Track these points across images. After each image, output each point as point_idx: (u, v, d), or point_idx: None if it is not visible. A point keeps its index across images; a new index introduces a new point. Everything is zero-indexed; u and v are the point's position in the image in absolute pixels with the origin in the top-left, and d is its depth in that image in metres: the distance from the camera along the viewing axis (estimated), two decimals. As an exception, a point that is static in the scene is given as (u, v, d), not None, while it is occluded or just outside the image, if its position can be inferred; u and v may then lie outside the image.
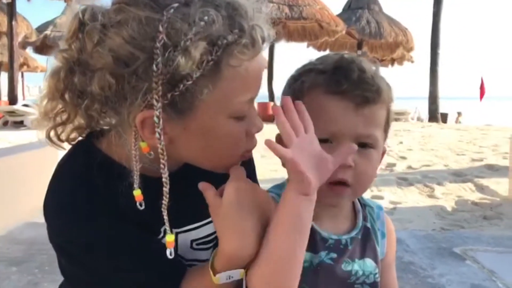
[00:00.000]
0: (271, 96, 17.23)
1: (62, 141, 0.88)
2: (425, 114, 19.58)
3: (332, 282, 0.88)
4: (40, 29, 18.18)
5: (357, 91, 0.81)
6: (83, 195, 0.81)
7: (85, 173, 0.82)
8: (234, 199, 0.74)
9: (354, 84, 0.81)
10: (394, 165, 6.39)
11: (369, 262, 0.90)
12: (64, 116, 0.84)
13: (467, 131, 12.57)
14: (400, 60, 23.56)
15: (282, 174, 0.81)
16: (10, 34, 12.48)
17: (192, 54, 0.67)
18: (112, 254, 0.81)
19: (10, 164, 3.09)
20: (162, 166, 0.76)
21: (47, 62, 0.83)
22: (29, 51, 21.34)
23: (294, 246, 0.75)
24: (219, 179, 0.82)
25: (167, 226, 0.79)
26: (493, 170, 5.86)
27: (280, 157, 0.72)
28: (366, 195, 0.99)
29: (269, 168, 3.49)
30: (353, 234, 0.90)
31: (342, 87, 0.81)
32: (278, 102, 0.89)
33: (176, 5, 0.69)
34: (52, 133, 0.86)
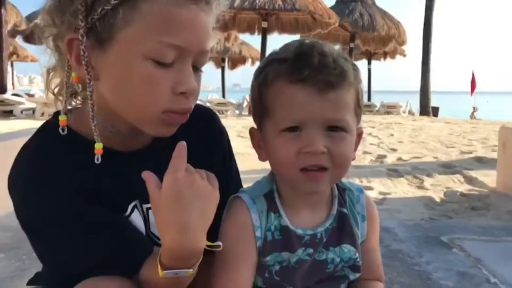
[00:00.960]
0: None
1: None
2: (416, 108, 19.70)
3: (312, 276, 0.88)
4: (30, 17, 17.91)
5: (319, 76, 0.80)
6: (43, 168, 0.80)
7: (48, 148, 0.83)
8: (173, 191, 0.72)
9: (315, 69, 0.80)
10: (384, 157, 6.43)
11: (346, 248, 0.90)
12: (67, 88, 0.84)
13: (457, 124, 12.68)
14: (393, 53, 23.63)
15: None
16: (-1, 22, 12.29)
17: None
18: (72, 230, 0.80)
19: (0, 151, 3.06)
20: (89, 93, 0.78)
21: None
22: (18, 40, 21.06)
23: None
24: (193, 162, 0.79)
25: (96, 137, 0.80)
26: (482, 162, 5.93)
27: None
28: None
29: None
30: (327, 225, 0.90)
31: (304, 74, 0.80)
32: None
33: None
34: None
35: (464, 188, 4.56)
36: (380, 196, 4.18)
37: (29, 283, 0.99)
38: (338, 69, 0.82)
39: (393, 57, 24.51)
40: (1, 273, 2.13)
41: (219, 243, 0.81)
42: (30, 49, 24.07)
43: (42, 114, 11.93)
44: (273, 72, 0.85)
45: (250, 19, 15.87)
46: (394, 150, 7.13)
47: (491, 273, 2.13)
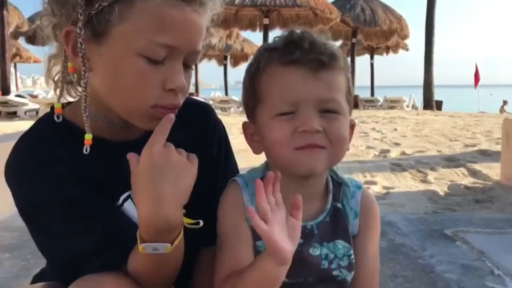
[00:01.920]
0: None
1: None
2: (420, 102, 19.62)
3: (306, 270, 0.88)
4: (32, 18, 17.95)
5: (311, 55, 0.82)
6: (37, 154, 0.84)
7: (42, 137, 0.86)
8: (148, 164, 0.75)
9: (306, 50, 0.82)
10: (388, 151, 6.42)
11: (340, 244, 0.90)
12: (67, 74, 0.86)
13: (461, 118, 12.63)
14: (395, 47, 23.54)
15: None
16: (1, 23, 12.34)
17: None
18: (63, 215, 0.82)
19: (3, 152, 3.08)
20: (83, 84, 0.80)
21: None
22: (21, 41, 21.12)
23: None
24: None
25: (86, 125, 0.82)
26: (486, 155, 5.91)
27: (258, 232, 0.73)
28: (360, 180, 0.99)
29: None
30: (321, 218, 0.90)
31: (296, 55, 0.82)
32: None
33: None
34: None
35: (468, 181, 4.55)
36: (384, 191, 4.18)
37: (34, 279, 1.01)
38: (329, 50, 0.84)
39: (395, 51, 24.41)
40: (7, 272, 2.15)
41: (199, 220, 0.82)
42: (33, 50, 24.14)
43: (46, 114, 11.98)
44: (264, 60, 0.86)
45: (251, 16, 15.84)
46: (397, 144, 7.11)
47: (495, 265, 2.13)
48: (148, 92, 0.79)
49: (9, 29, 13.09)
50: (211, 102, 16.44)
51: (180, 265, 0.87)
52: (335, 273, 0.89)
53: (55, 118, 0.87)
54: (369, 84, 23.11)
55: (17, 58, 23.15)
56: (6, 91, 12.51)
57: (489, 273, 2.06)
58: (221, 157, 1.04)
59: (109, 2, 0.75)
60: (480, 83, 19.45)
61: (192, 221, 0.82)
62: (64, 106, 0.90)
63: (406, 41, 21.88)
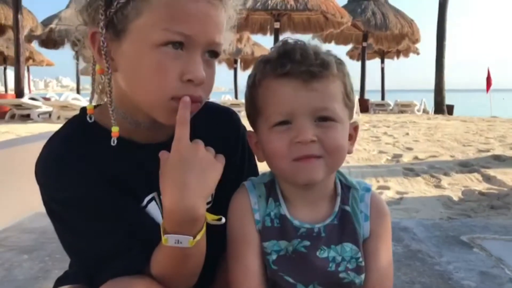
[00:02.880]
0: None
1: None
2: (431, 106, 19.49)
3: (313, 272, 0.89)
4: (45, 22, 18.20)
5: (302, 67, 0.83)
6: (67, 154, 0.86)
7: (72, 137, 0.89)
8: (176, 156, 0.78)
9: (297, 62, 0.84)
10: (400, 156, 6.38)
11: (348, 247, 0.90)
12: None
13: (473, 122, 12.52)
14: (406, 52, 23.46)
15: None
16: (15, 27, 12.52)
17: None
18: (91, 214, 0.84)
19: (20, 154, 3.11)
20: (107, 81, 0.84)
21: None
22: (34, 45, 21.39)
23: None
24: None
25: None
26: (500, 160, 5.85)
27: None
28: (373, 186, 0.98)
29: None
30: (328, 221, 0.91)
31: (287, 68, 0.84)
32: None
33: None
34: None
35: (482, 186, 4.51)
36: (397, 196, 4.15)
37: (57, 282, 1.03)
38: (319, 60, 0.85)
39: (406, 55, 24.31)
40: (25, 274, 2.17)
41: (221, 217, 0.84)
42: (46, 53, 24.42)
43: (58, 117, 12.10)
44: (260, 73, 0.89)
45: (262, 20, 15.89)
46: (410, 149, 7.07)
47: (514, 273, 2.10)
48: (167, 83, 0.80)
49: (23, 33, 13.24)
50: (221, 106, 16.46)
51: (202, 264, 0.88)
52: (342, 275, 0.90)
53: (88, 119, 0.89)
54: (379, 87, 23.03)
55: (30, 61, 23.44)
56: (20, 94, 12.66)
57: (508, 280, 2.04)
58: (244, 162, 1.06)
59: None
60: (492, 87, 19.27)
61: (215, 217, 0.84)
62: (95, 105, 0.93)
63: (417, 45, 21.79)
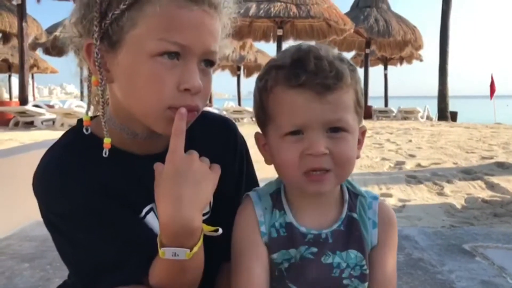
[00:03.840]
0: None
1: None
2: (434, 113, 19.45)
3: (318, 278, 0.88)
4: (50, 30, 18.33)
5: (316, 80, 0.82)
6: (64, 166, 0.86)
7: (69, 149, 0.89)
8: (171, 169, 0.78)
9: (312, 74, 0.82)
10: (403, 163, 6.36)
11: (353, 254, 0.90)
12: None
13: (477, 129, 12.47)
14: (409, 58, 23.46)
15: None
16: (20, 35, 12.60)
17: None
18: (88, 226, 0.84)
19: (22, 162, 3.12)
20: (100, 92, 0.84)
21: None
22: (39, 52, 21.53)
23: None
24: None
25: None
26: (504, 168, 5.82)
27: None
28: (376, 192, 0.98)
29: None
30: (335, 227, 0.90)
31: (301, 80, 0.82)
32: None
33: None
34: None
35: (485, 194, 4.48)
36: (400, 203, 4.13)
37: None
38: (334, 72, 0.84)
39: (409, 62, 24.32)
40: (26, 282, 2.17)
41: (218, 228, 0.84)
42: (50, 60, 24.59)
43: (62, 124, 12.16)
44: (272, 79, 0.87)
45: (265, 27, 15.95)
46: (412, 156, 7.04)
47: (516, 282, 2.09)
48: (164, 93, 0.80)
49: (28, 41, 13.34)
50: (224, 113, 16.52)
51: (201, 276, 0.87)
52: (345, 282, 0.89)
53: (84, 130, 0.90)
54: (382, 94, 23.01)
55: (35, 68, 23.58)
56: (24, 101, 12.72)
57: (510, 290, 2.02)
58: (242, 172, 1.06)
59: (120, 9, 0.79)
60: (495, 93, 19.22)
61: (211, 228, 0.84)
62: (91, 119, 0.93)
63: (420, 52, 21.79)
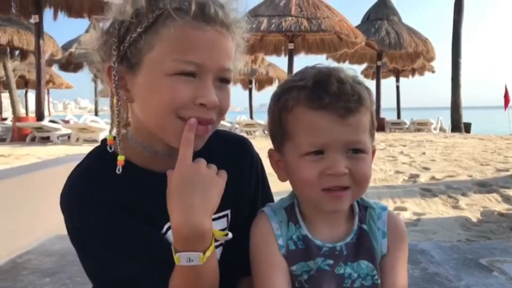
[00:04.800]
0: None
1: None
2: (447, 124, 19.29)
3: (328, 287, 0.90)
4: (65, 46, 18.73)
5: (340, 103, 0.85)
6: (89, 185, 0.90)
7: (92, 168, 0.93)
8: (178, 177, 0.81)
9: (335, 96, 0.85)
10: (417, 176, 6.32)
11: (364, 264, 0.92)
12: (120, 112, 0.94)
13: (491, 141, 12.33)
14: (421, 70, 23.39)
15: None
16: (37, 52, 12.88)
17: (127, 9, 0.84)
18: (112, 243, 0.88)
19: (40, 178, 3.20)
20: (116, 111, 0.90)
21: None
22: (54, 68, 21.97)
23: None
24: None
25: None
26: (520, 180, 5.75)
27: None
28: (390, 207, 1.00)
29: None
30: (348, 239, 0.93)
31: (325, 102, 0.85)
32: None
33: None
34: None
35: (501, 207, 4.44)
36: (414, 217, 4.11)
37: None
38: (356, 96, 0.87)
39: (421, 73, 24.23)
40: (47, 297, 2.21)
41: (228, 232, 0.88)
42: (65, 76, 25.05)
43: (77, 139, 12.32)
44: (293, 99, 0.89)
45: (276, 41, 16.09)
46: (426, 169, 7.00)
47: (535, 297, 2.07)
48: (178, 103, 0.84)
49: (44, 57, 13.62)
50: (236, 126, 16.59)
51: (217, 285, 0.89)
52: None
53: (108, 149, 0.94)
54: (395, 106, 22.92)
55: (50, 84, 24.04)
56: (41, 117, 12.94)
57: (528, 305, 2.01)
58: (258, 189, 1.10)
59: (138, 33, 0.84)
60: (510, 104, 19.01)
61: (222, 233, 0.87)
62: (115, 136, 0.97)
63: (433, 63, 21.72)
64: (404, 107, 24.71)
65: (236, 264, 0.99)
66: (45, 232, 3.01)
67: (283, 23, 13.98)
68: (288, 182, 0.96)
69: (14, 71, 20.10)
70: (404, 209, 4.40)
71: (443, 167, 7.20)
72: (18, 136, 13.33)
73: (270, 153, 0.97)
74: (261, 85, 25.90)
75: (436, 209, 4.46)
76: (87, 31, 20.09)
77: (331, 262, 0.90)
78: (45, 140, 12.85)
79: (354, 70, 0.94)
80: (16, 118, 15.69)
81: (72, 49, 18.92)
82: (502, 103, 19.48)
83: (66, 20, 13.89)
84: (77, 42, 19.16)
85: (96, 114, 19.53)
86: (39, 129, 12.84)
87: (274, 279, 0.90)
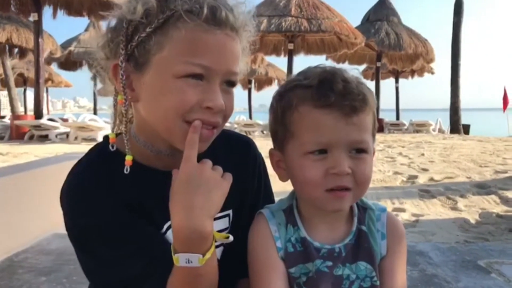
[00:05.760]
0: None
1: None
2: (446, 126, 19.31)
3: None
4: (65, 45, 18.71)
5: (345, 101, 0.85)
6: (90, 182, 0.89)
7: (94, 166, 0.93)
8: (182, 178, 0.81)
9: (340, 95, 0.85)
10: (415, 177, 6.32)
11: (362, 266, 0.91)
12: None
13: (490, 142, 12.35)
14: (420, 71, 23.42)
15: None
16: (36, 50, 12.85)
17: (138, 8, 0.83)
18: (112, 241, 0.87)
19: (38, 176, 3.19)
20: (124, 111, 0.89)
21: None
22: (53, 67, 21.95)
23: None
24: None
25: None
26: (518, 182, 5.75)
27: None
28: (388, 208, 0.99)
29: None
30: (347, 240, 0.93)
31: (330, 100, 0.85)
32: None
33: None
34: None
35: (500, 209, 4.44)
36: (413, 218, 4.11)
37: None
38: (362, 95, 0.87)
39: (421, 75, 24.26)
40: (43, 296, 2.20)
41: (229, 235, 0.86)
42: (64, 75, 25.05)
43: (76, 138, 12.30)
44: (297, 97, 0.89)
45: (276, 42, 16.08)
46: (425, 170, 7.00)
47: (533, 300, 2.06)
48: (185, 107, 0.84)
49: (44, 56, 13.60)
50: (235, 126, 16.58)
51: (216, 286, 0.89)
52: None
53: (110, 147, 0.93)
54: (394, 107, 22.95)
55: (49, 82, 24.01)
56: (39, 115, 12.91)
57: (527, 307, 2.00)
58: (260, 190, 1.09)
59: (147, 33, 0.83)
60: (508, 106, 19.04)
61: (223, 235, 0.86)
62: (116, 134, 0.97)
63: (432, 65, 21.74)
64: (403, 108, 24.76)
65: (237, 265, 0.98)
66: (42, 230, 3.00)
67: (283, 23, 13.97)
68: (286, 183, 0.95)
69: (13, 69, 20.08)
70: (402, 210, 4.39)
71: (441, 168, 7.20)
72: (16, 134, 13.30)
73: (271, 153, 0.97)
74: (260, 85, 25.89)
75: (435, 210, 4.46)
76: (86, 29, 20.13)
77: (330, 263, 0.90)
78: (44, 138, 12.83)
79: (357, 70, 0.94)
80: (15, 116, 15.64)
81: (72, 48, 18.90)
82: (501, 105, 19.52)
83: (65, 18, 13.87)
84: (76, 41, 19.13)
85: (95, 113, 19.53)
86: (38, 127, 12.81)
87: (271, 282, 0.90)
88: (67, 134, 12.95)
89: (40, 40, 12.78)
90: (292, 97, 0.90)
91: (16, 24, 15.25)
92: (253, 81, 25.31)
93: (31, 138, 12.97)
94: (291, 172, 0.92)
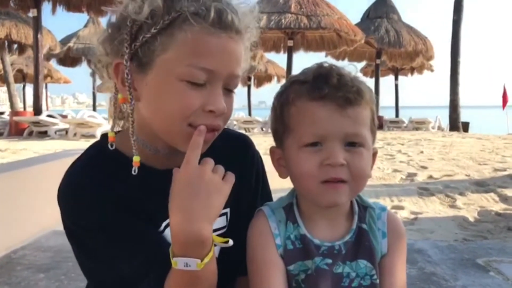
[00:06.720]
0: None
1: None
2: (446, 123, 19.31)
3: (326, 287, 0.90)
4: (64, 41, 18.67)
5: (339, 93, 0.86)
6: (88, 181, 0.89)
7: (92, 164, 0.92)
8: (183, 179, 0.80)
9: (334, 87, 0.86)
10: (414, 175, 6.32)
11: (362, 264, 0.91)
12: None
13: (489, 140, 12.34)
14: (420, 69, 23.40)
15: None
16: (35, 46, 12.80)
17: (144, 8, 0.82)
18: (110, 240, 0.86)
19: (37, 173, 3.19)
20: (130, 111, 0.88)
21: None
22: (52, 63, 21.90)
23: None
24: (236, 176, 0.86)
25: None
26: (517, 180, 5.75)
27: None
28: (387, 205, 0.99)
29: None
30: (347, 238, 0.93)
31: (324, 92, 0.86)
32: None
33: None
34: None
35: (499, 207, 4.44)
36: (412, 216, 4.11)
37: None
38: (356, 87, 0.88)
39: (420, 72, 24.25)
40: (41, 293, 2.20)
41: (229, 239, 0.85)
42: (63, 71, 25.00)
43: (75, 134, 12.29)
44: (294, 93, 0.90)
45: (276, 38, 16.06)
46: (424, 167, 6.99)
47: (531, 298, 2.07)
48: (188, 111, 0.83)
49: (43, 52, 13.56)
50: (234, 123, 16.58)
51: (215, 286, 0.88)
52: None
53: (109, 146, 0.93)
54: (393, 104, 22.95)
55: (48, 78, 23.95)
56: (38, 112, 12.88)
57: (525, 306, 2.00)
58: (258, 188, 1.09)
59: (151, 34, 0.82)
60: (508, 104, 19.04)
61: (223, 239, 0.85)
62: (115, 132, 0.96)
63: (431, 62, 21.73)
64: (402, 105, 24.76)
65: (235, 263, 0.98)
66: (40, 227, 2.99)
67: (283, 20, 13.95)
68: (284, 180, 0.96)
69: (12, 65, 20.00)
70: (401, 208, 4.39)
71: (441, 166, 7.20)
72: (15, 130, 13.29)
73: (272, 151, 0.97)
74: (260, 82, 25.86)
75: (434, 208, 4.46)
76: (86, 25, 20.08)
77: (329, 261, 0.90)
78: (43, 134, 12.82)
79: (355, 66, 0.94)
80: (14, 112, 15.63)
81: (71, 44, 18.86)
82: (500, 102, 19.51)
83: (64, 14, 13.82)
84: (75, 37, 19.10)
85: (94, 109, 19.50)
86: (37, 123, 12.80)
87: (270, 279, 0.90)
88: (66, 131, 12.94)
89: (39, 36, 12.73)
90: (290, 93, 0.91)
91: (15, 20, 15.22)
92: (252, 78, 25.27)
93: (30, 134, 12.95)
94: (289, 168, 0.92)
